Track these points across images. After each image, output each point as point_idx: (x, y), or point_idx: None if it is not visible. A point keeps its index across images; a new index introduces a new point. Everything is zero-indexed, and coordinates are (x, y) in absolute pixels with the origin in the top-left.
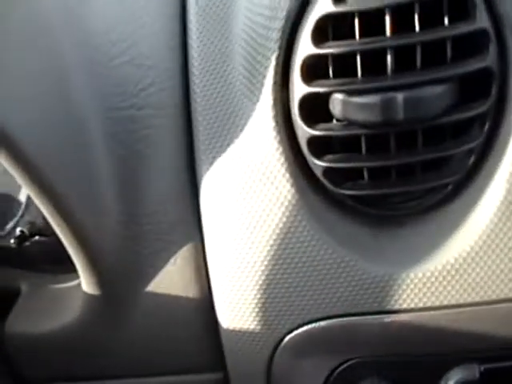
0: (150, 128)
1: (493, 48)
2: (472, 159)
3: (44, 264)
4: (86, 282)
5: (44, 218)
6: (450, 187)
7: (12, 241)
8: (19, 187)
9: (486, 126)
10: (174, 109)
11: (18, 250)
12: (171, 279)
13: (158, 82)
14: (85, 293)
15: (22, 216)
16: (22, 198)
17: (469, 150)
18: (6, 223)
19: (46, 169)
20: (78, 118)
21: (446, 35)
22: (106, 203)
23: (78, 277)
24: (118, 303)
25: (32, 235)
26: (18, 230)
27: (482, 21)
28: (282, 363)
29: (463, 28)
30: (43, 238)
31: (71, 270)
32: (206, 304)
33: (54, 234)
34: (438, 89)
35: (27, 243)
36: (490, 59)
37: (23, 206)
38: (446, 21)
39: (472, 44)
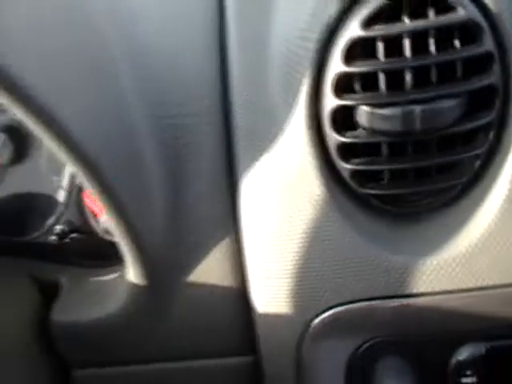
0: (193, 134)
1: (496, 67)
2: (478, 163)
3: (81, 259)
4: (133, 273)
5: (81, 217)
6: (459, 187)
7: (53, 237)
8: (58, 188)
9: (491, 135)
10: (214, 116)
11: (57, 246)
12: (210, 270)
13: (200, 91)
14: (131, 283)
15: (61, 215)
16: (61, 198)
17: (475, 155)
18: (47, 221)
19: (99, 159)
20: (127, 118)
21: (456, 57)
22: (154, 198)
23: (115, 271)
24: (161, 293)
25: (70, 232)
26: (58, 228)
27: (488, 44)
28: (311, 344)
29: (471, 51)
30: (80, 236)
31: (107, 264)
32: (240, 293)
33: (90, 232)
34: (449, 102)
35: (66, 240)
36: (494, 77)
37: (62, 206)
38: (457, 44)
39: (479, 63)
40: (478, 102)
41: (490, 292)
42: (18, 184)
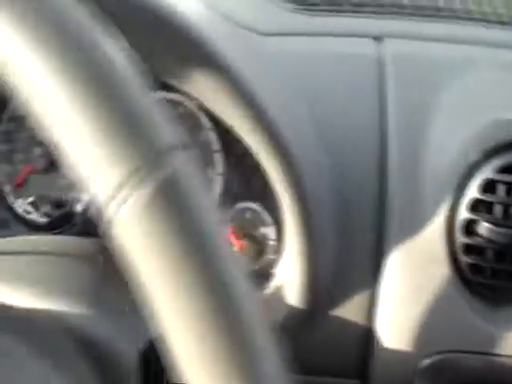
0: (355, 208)
1: None
2: None
3: None
4: (297, 299)
5: None
6: None
7: None
8: None
9: None
10: (374, 199)
11: None
12: (350, 308)
13: (363, 178)
14: (290, 306)
15: None
16: None
17: None
18: None
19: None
20: (317, 174)
21: None
22: (327, 243)
23: None
24: (311, 317)
25: None
26: None
27: None
28: (417, 380)
29: None
30: None
31: None
32: (367, 329)
33: None
34: None
35: None
36: None
37: None
38: None
39: None
40: None
41: None
42: None
